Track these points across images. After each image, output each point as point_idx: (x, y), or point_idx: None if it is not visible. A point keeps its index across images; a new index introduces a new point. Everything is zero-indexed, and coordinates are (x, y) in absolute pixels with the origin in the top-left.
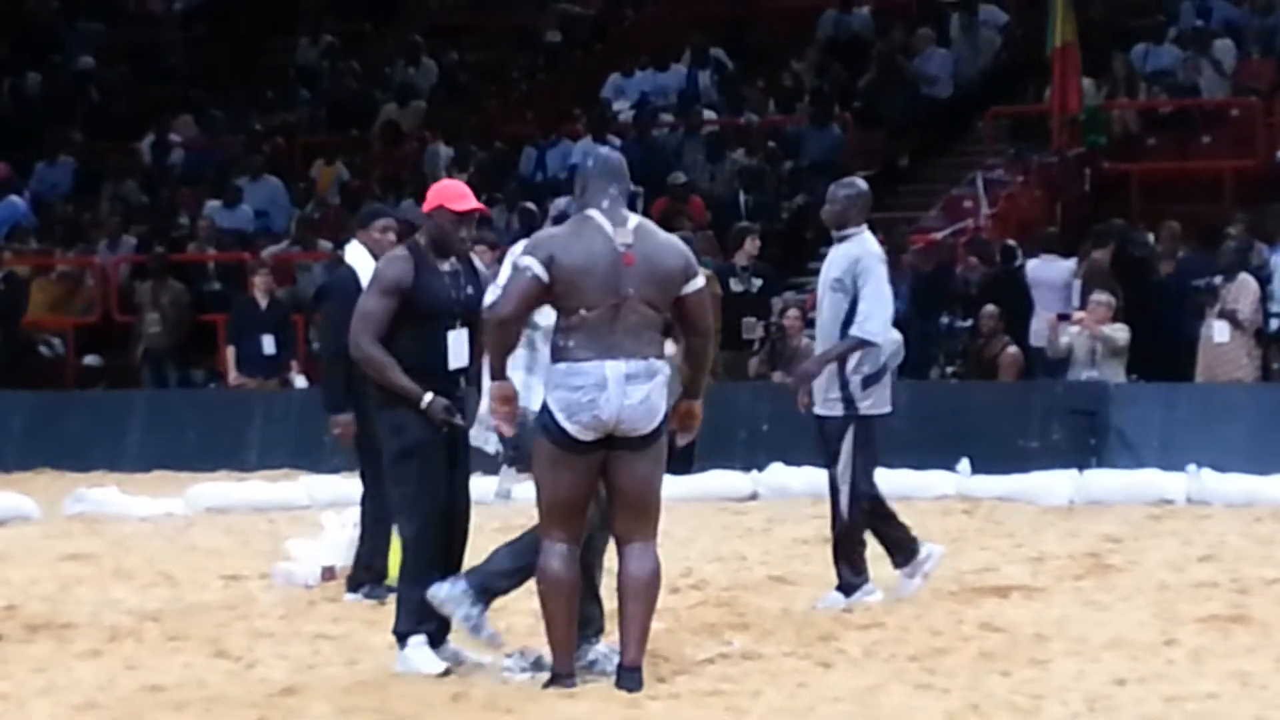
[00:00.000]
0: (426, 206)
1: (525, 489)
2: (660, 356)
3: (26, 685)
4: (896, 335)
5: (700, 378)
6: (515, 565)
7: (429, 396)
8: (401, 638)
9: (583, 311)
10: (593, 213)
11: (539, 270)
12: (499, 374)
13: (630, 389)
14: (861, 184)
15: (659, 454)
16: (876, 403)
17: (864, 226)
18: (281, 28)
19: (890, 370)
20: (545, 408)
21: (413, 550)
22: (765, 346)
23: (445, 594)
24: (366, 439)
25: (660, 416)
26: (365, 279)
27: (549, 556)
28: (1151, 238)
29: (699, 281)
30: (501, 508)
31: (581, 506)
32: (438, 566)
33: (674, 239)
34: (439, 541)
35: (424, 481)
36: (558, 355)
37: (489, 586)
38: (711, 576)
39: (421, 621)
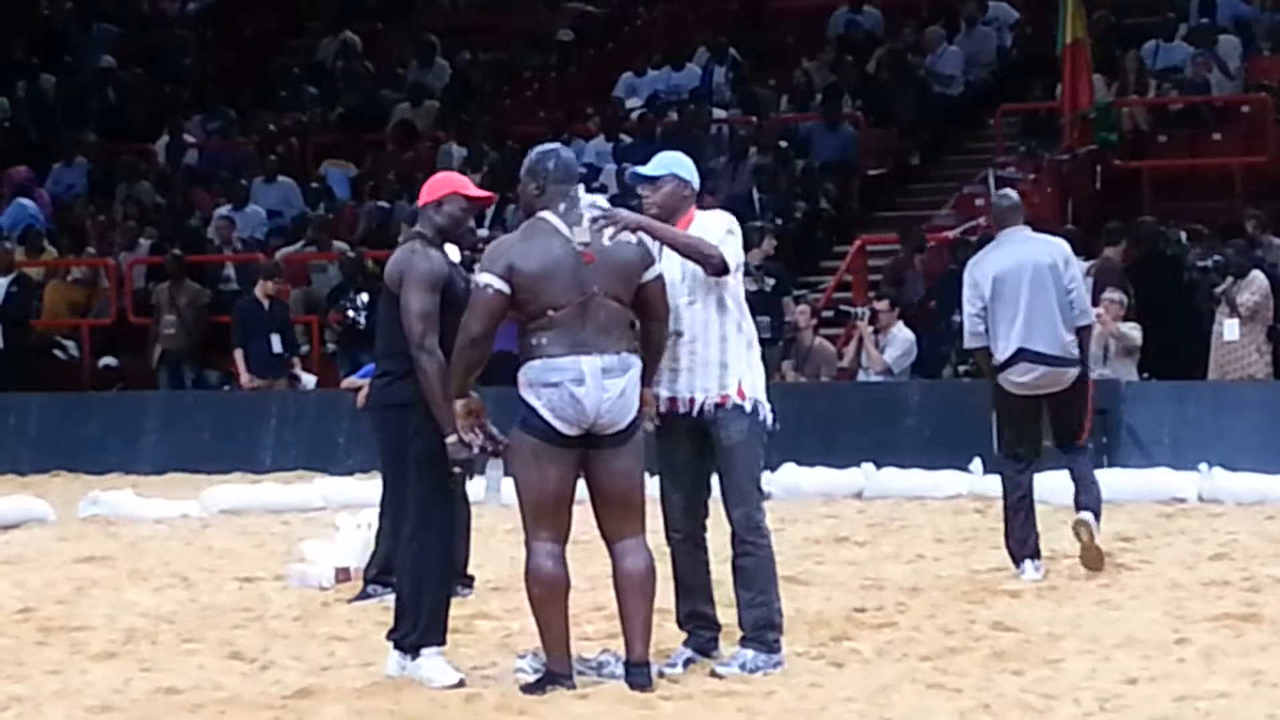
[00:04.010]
0: (434, 195)
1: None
2: (632, 351)
3: (42, 687)
4: None
5: (656, 364)
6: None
7: (454, 437)
8: (415, 648)
9: (550, 312)
10: (545, 214)
11: (499, 285)
12: (464, 393)
13: (607, 383)
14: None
15: (637, 449)
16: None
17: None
18: (294, 29)
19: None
20: (525, 405)
21: (428, 558)
22: (781, 345)
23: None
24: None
25: (635, 410)
26: None
27: (539, 557)
28: (1185, 235)
29: (657, 269)
30: (496, 503)
31: (567, 503)
32: (448, 573)
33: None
34: (451, 547)
35: (443, 489)
36: (531, 353)
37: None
38: (723, 577)
39: (435, 632)
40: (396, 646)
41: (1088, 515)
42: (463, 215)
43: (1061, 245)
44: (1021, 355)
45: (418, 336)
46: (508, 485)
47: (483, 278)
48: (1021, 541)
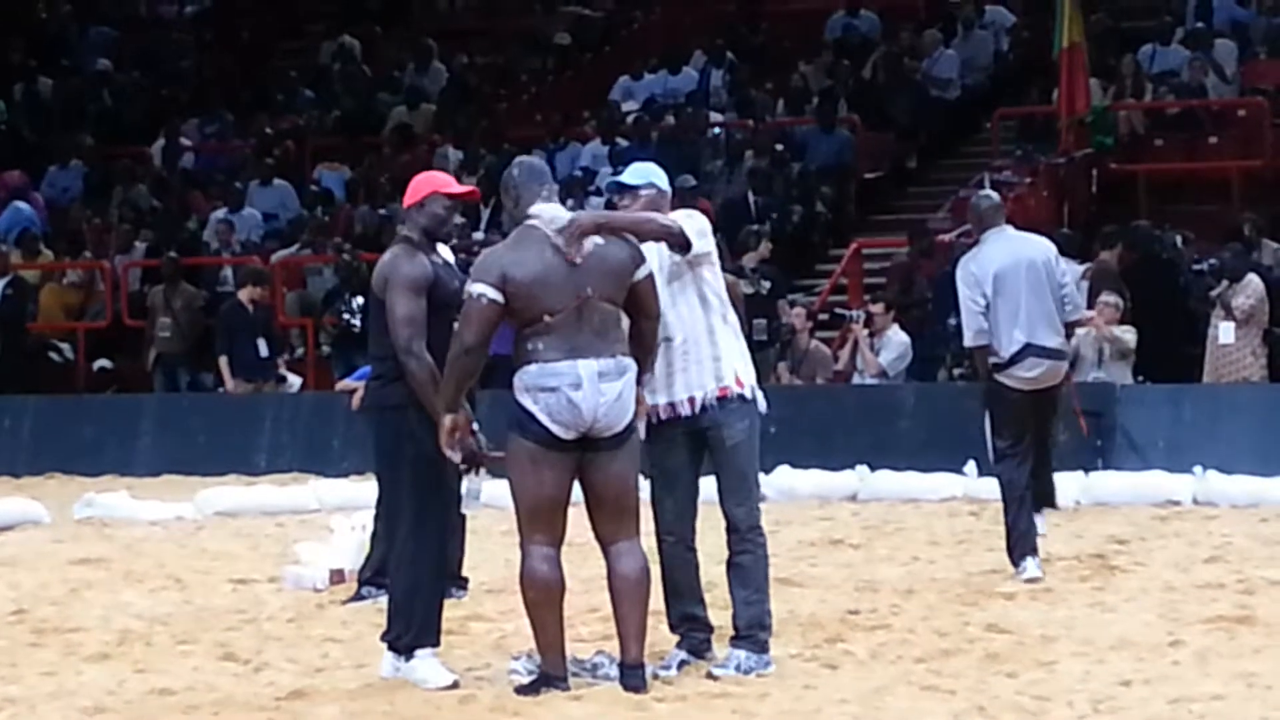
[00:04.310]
0: (416, 196)
1: (494, 488)
2: (626, 354)
3: (36, 689)
4: None
5: (648, 363)
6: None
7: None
8: (409, 649)
9: (546, 317)
10: (533, 221)
11: (493, 294)
12: (453, 406)
13: (604, 386)
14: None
15: (633, 451)
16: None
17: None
18: (291, 32)
19: None
20: (522, 410)
21: (422, 560)
22: (778, 347)
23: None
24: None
25: (631, 413)
26: None
27: (534, 560)
28: (1180, 239)
29: (647, 267)
30: (476, 509)
31: (562, 507)
32: (442, 574)
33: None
34: (446, 549)
35: (437, 491)
36: (527, 358)
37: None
38: (718, 579)
39: (429, 633)
40: (391, 648)
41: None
42: (446, 214)
43: (1048, 243)
44: (1029, 350)
45: (404, 341)
46: (488, 487)
47: (476, 287)
48: (1022, 539)
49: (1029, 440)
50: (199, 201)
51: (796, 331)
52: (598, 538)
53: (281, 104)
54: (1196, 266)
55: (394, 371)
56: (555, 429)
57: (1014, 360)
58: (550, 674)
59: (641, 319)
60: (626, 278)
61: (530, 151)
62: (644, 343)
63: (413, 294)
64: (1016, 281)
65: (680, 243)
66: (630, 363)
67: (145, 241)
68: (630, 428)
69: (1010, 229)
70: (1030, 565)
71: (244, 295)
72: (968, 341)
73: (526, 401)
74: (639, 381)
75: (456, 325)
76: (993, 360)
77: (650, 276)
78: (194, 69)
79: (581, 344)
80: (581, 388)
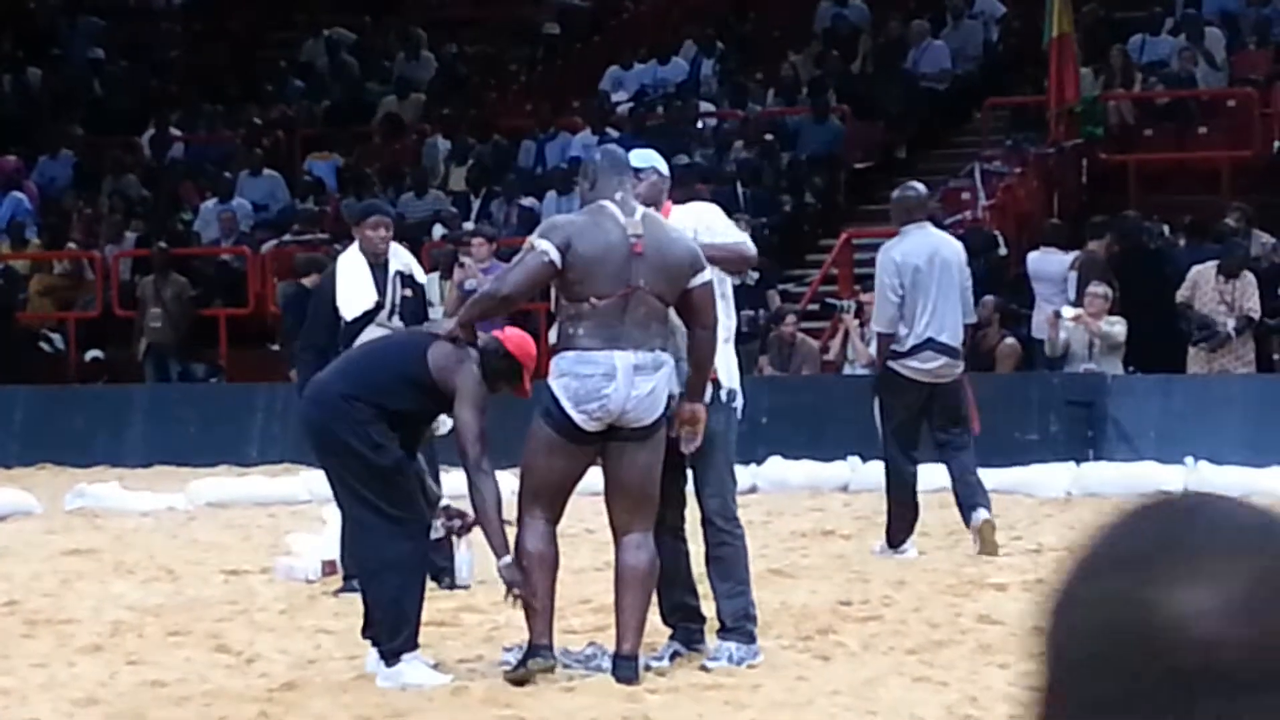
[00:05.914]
0: (519, 353)
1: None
2: (665, 349)
3: (28, 680)
4: None
5: (703, 376)
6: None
7: (508, 559)
8: (395, 655)
9: (593, 300)
10: (607, 203)
11: (554, 255)
12: (467, 319)
13: (638, 380)
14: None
15: (658, 444)
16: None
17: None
18: (281, 22)
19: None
20: (550, 394)
21: (398, 567)
22: (761, 339)
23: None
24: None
25: (663, 408)
26: (351, 282)
27: (531, 532)
28: (1167, 229)
29: (706, 275)
30: (468, 581)
31: (568, 491)
32: (422, 578)
33: (682, 232)
34: (425, 554)
35: (409, 497)
36: (566, 344)
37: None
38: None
39: (414, 638)
40: (381, 656)
41: (986, 513)
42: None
43: (960, 245)
44: (929, 345)
45: (475, 457)
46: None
47: (541, 244)
48: (906, 527)
49: (915, 434)
50: (189, 191)
51: (785, 328)
52: (612, 526)
53: (271, 94)
54: (1196, 325)
55: (375, 408)
56: (579, 419)
57: (913, 351)
58: (535, 643)
59: (697, 327)
60: (681, 279)
61: (519, 142)
62: (699, 353)
63: (482, 410)
64: (929, 277)
65: (754, 263)
66: (667, 358)
67: (135, 231)
68: (659, 422)
69: (930, 225)
70: (911, 549)
71: (308, 283)
72: (877, 326)
73: (557, 388)
74: (695, 395)
75: (504, 273)
76: (893, 348)
77: (708, 285)
78: (183, 59)
79: (620, 334)
80: (615, 379)
